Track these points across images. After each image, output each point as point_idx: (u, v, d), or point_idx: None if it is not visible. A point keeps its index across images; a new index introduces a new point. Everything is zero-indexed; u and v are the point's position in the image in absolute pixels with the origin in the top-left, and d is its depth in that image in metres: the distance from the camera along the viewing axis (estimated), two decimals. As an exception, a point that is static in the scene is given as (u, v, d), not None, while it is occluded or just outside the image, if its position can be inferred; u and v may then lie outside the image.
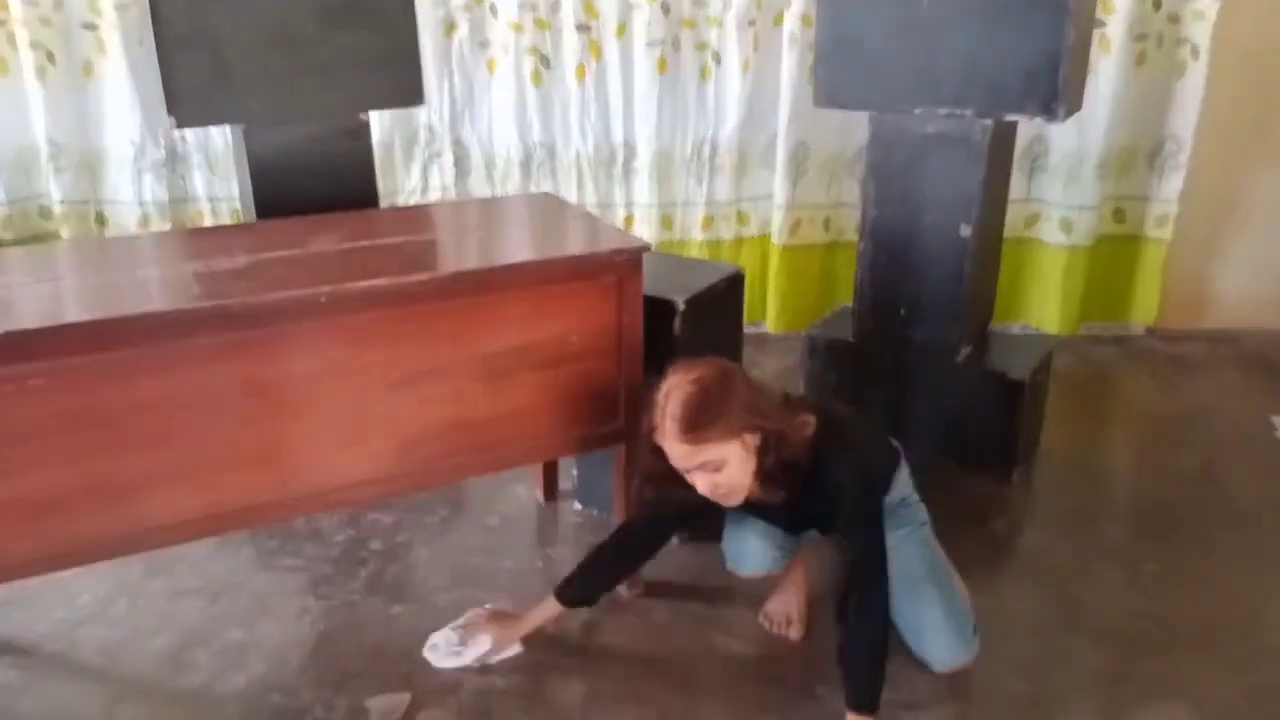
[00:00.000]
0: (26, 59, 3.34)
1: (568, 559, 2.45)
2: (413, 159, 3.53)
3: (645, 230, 3.53)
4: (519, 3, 3.33)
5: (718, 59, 3.40)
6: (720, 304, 2.46)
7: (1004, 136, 2.66)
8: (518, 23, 3.36)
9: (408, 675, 2.08)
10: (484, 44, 3.43)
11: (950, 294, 2.70)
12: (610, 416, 2.16)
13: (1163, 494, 2.74)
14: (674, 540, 2.29)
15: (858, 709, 1.82)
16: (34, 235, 3.54)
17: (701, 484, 1.80)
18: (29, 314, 1.74)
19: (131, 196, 3.46)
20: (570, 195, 3.49)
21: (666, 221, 3.57)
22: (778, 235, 3.53)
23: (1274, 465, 2.86)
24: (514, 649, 2.10)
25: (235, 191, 3.23)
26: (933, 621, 2.01)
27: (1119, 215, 3.55)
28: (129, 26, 3.30)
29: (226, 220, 3.49)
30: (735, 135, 3.46)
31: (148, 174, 3.44)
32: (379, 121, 3.37)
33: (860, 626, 1.83)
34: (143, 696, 2.04)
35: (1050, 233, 3.53)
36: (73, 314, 1.75)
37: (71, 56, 3.38)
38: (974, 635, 2.04)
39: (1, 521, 1.69)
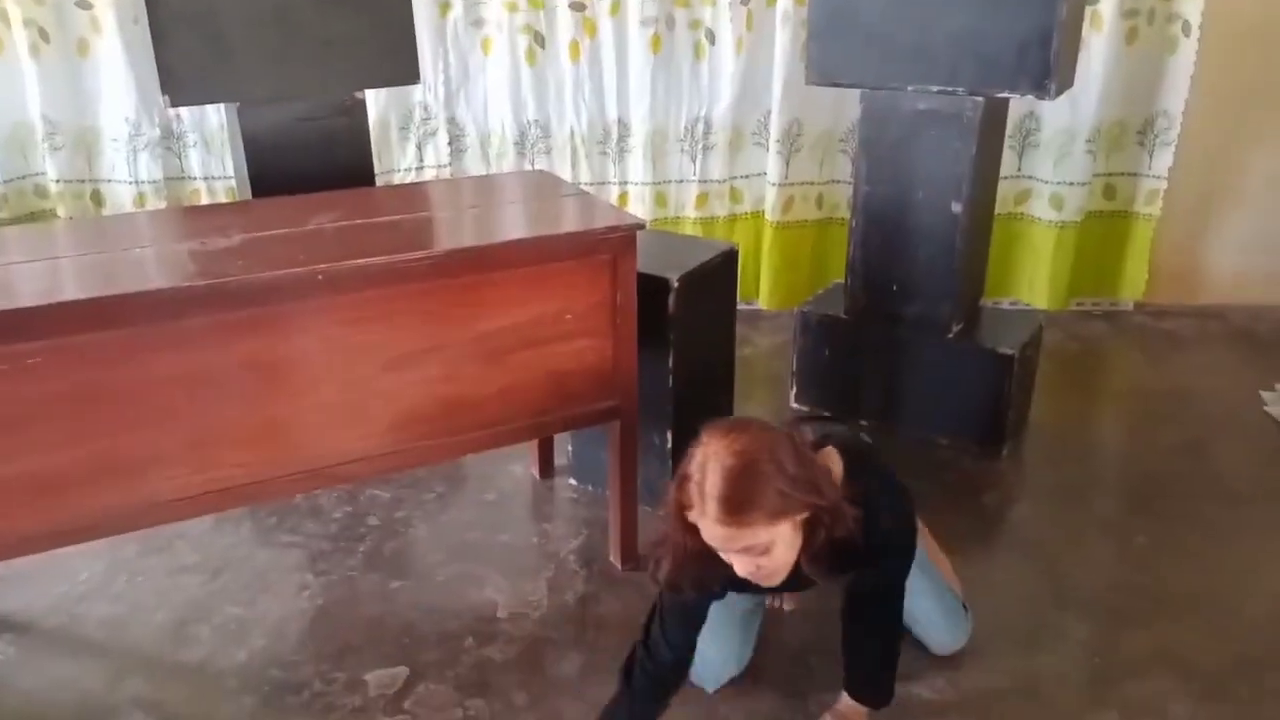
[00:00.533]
0: (20, 37, 3.33)
1: (563, 534, 2.48)
2: (408, 137, 3.53)
3: (639, 208, 3.54)
4: (513, -19, 3.33)
5: (711, 37, 3.40)
6: (714, 281, 2.48)
7: (996, 113, 2.68)
8: (512, 1, 3.35)
9: (406, 649, 2.11)
10: (479, 23, 3.43)
11: (942, 270, 2.72)
12: (605, 394, 2.18)
13: (1151, 468, 2.77)
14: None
15: (871, 705, 1.85)
16: (30, 214, 3.54)
17: (741, 566, 1.55)
18: (26, 292, 1.75)
19: (127, 175, 3.46)
20: (564, 173, 3.50)
21: (660, 199, 3.58)
22: (771, 212, 3.54)
23: (1262, 440, 2.89)
24: None
25: (231, 170, 3.23)
26: (926, 610, 2.02)
27: (1109, 191, 3.57)
28: (123, 5, 3.29)
29: (222, 199, 3.49)
30: (729, 113, 3.46)
31: (143, 153, 3.44)
32: (374, 100, 3.36)
33: (872, 638, 1.82)
34: (145, 671, 2.06)
35: (1041, 209, 3.54)
36: (70, 292, 1.77)
37: (65, 34, 3.37)
38: (966, 615, 2.07)
39: (3, 499, 1.71)
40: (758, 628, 2.05)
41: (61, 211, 3.49)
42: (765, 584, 1.60)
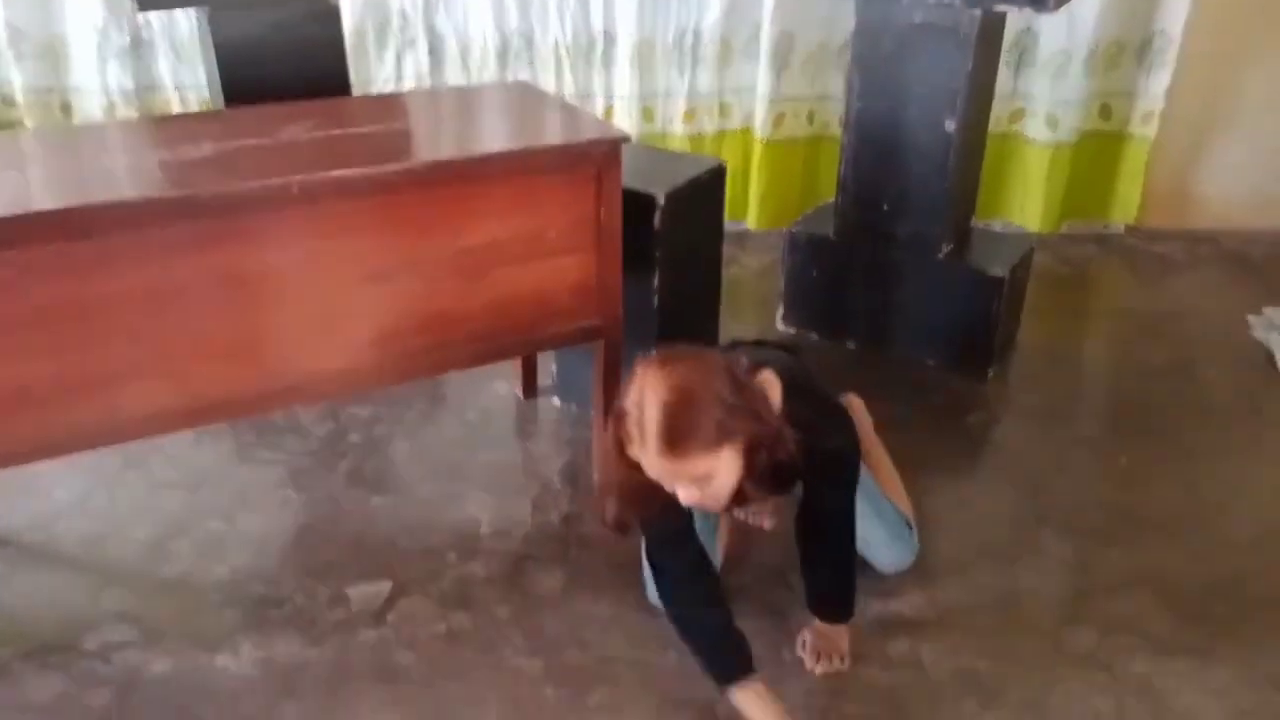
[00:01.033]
0: (-20, -61, 3.20)
1: (546, 453, 2.48)
2: (386, 47, 3.43)
3: (625, 122, 3.46)
4: (495, -118, 3.21)
5: (701, -57, 3.30)
6: (701, 198, 2.43)
7: (993, 28, 2.61)
8: (494, -96, 3.24)
9: (388, 564, 2.11)
10: (459, -74, 3.31)
11: (933, 189, 2.68)
12: (588, 312, 2.15)
13: (1136, 390, 2.77)
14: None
15: (830, 621, 1.87)
16: (-2, 124, 3.45)
17: (685, 495, 1.56)
18: (-7, 202, 1.70)
19: (97, 84, 3.36)
20: (548, 85, 3.41)
21: (647, 114, 3.50)
22: (760, 129, 3.47)
23: (1247, 363, 2.89)
24: None
25: (204, 79, 3.13)
26: (872, 536, 2.01)
27: (1105, 111, 3.51)
28: (88, -96, 3.16)
29: (195, 109, 3.40)
30: (718, 24, 3.37)
31: (112, 61, 3.33)
32: (350, 8, 3.26)
33: (824, 558, 1.85)
34: (125, 585, 2.06)
35: (1035, 129, 3.48)
36: (38, 202, 1.71)
37: (28, -64, 3.24)
38: (912, 534, 2.07)
39: (-26, 413, 1.68)
40: (718, 547, 2.03)
41: (29, 122, 3.39)
42: (710, 510, 1.68)
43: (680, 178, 2.35)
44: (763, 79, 3.40)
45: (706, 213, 2.50)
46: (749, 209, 3.61)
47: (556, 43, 3.39)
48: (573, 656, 1.90)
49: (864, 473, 2.03)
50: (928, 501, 2.20)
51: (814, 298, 2.96)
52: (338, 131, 2.05)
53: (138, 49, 3.37)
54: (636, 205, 2.21)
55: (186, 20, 3.28)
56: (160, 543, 2.17)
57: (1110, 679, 1.85)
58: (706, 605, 1.77)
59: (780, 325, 3.04)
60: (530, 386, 2.69)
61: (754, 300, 3.23)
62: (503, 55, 3.41)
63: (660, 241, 2.30)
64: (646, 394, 1.49)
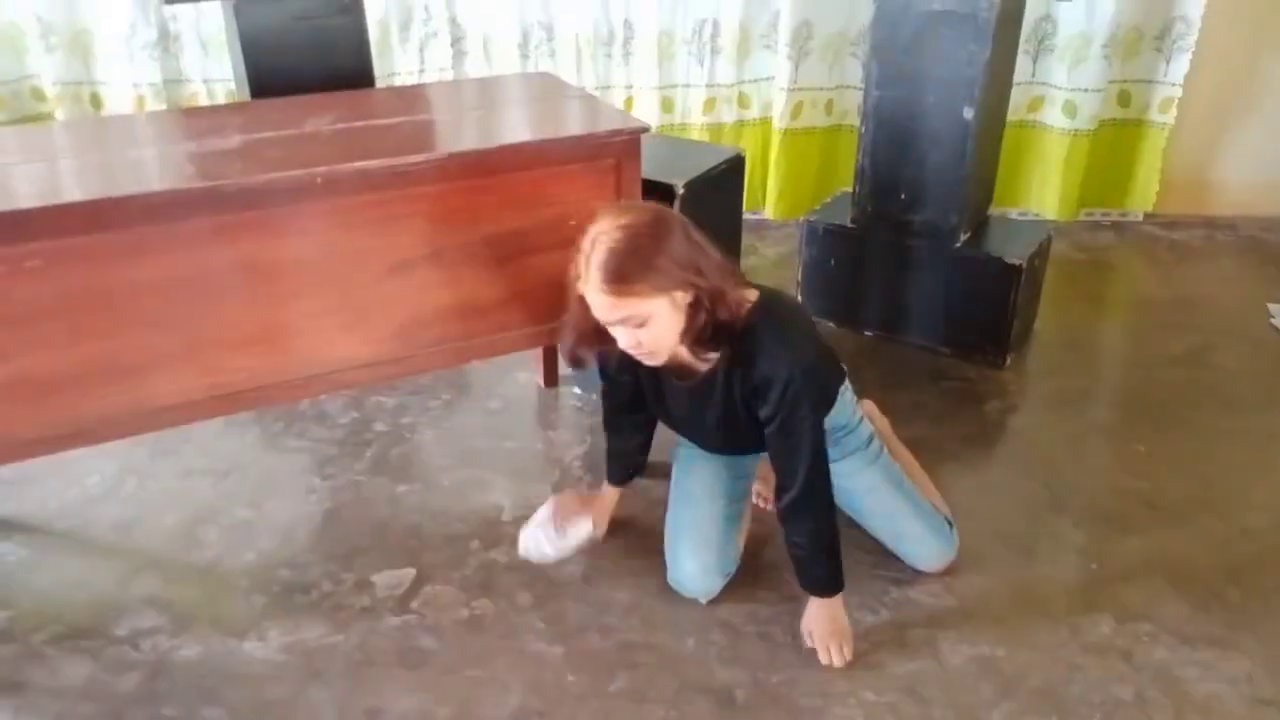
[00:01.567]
0: (9, -66, 3.24)
1: (568, 441, 2.50)
2: (409, 40, 3.45)
3: (645, 112, 3.47)
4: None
5: (720, -66, 3.30)
6: (720, 188, 2.45)
7: (1011, 14, 2.61)
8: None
9: (412, 551, 2.14)
10: (480, -82, 3.32)
11: (951, 177, 2.68)
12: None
13: (1155, 378, 2.77)
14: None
15: (819, 594, 1.88)
16: (28, 117, 3.48)
17: (623, 339, 1.64)
18: (24, 194, 1.73)
19: (125, 78, 3.40)
20: (569, 76, 3.43)
21: (667, 104, 3.51)
22: (779, 119, 3.48)
23: (1267, 351, 2.89)
24: (601, 530, 2.10)
25: (229, 72, 3.17)
26: (910, 532, 2.04)
27: (1124, 99, 3.50)
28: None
29: (222, 102, 3.43)
30: (737, 14, 3.38)
31: (140, 54, 3.37)
32: (374, 0, 3.28)
33: (800, 524, 1.83)
34: (156, 570, 2.10)
35: (1053, 116, 3.48)
36: (68, 194, 1.75)
37: (56, -69, 3.28)
38: (952, 531, 2.08)
39: (5, 402, 1.72)
40: (737, 537, 2.05)
41: (60, 115, 3.44)
42: (647, 362, 1.71)
43: (699, 167, 2.37)
44: (781, 69, 3.41)
45: (725, 202, 2.52)
46: (767, 198, 3.61)
47: (577, 34, 3.40)
48: (593, 642, 1.92)
49: (896, 467, 2.06)
50: (945, 490, 2.21)
51: (831, 286, 2.97)
52: (361, 123, 2.07)
53: (165, 42, 3.40)
54: (656, 194, 2.22)
55: (214, 15, 3.31)
56: (189, 529, 2.20)
57: (1129, 667, 1.86)
58: (628, 432, 2.09)
59: (798, 314, 3.05)
60: (551, 376, 2.71)
61: (772, 289, 3.24)
62: (524, 47, 3.43)
63: (679, 231, 2.31)
64: (600, 234, 1.59)
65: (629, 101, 3.51)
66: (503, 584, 2.06)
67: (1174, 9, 3.33)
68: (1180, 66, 3.38)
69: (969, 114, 2.59)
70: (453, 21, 3.43)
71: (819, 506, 1.81)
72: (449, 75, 3.48)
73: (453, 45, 3.45)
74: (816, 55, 3.43)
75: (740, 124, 3.58)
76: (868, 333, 2.95)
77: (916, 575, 2.06)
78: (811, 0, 3.30)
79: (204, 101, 3.46)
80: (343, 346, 1.96)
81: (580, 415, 2.61)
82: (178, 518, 2.24)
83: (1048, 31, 3.40)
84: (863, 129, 2.79)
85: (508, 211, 1.99)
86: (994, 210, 3.01)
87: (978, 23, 2.50)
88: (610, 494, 2.14)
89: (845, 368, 2.08)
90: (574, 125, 2.16)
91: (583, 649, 1.91)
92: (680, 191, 2.27)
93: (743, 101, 3.55)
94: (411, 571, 2.09)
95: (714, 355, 1.72)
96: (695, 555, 1.98)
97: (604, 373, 2.00)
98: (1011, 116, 3.04)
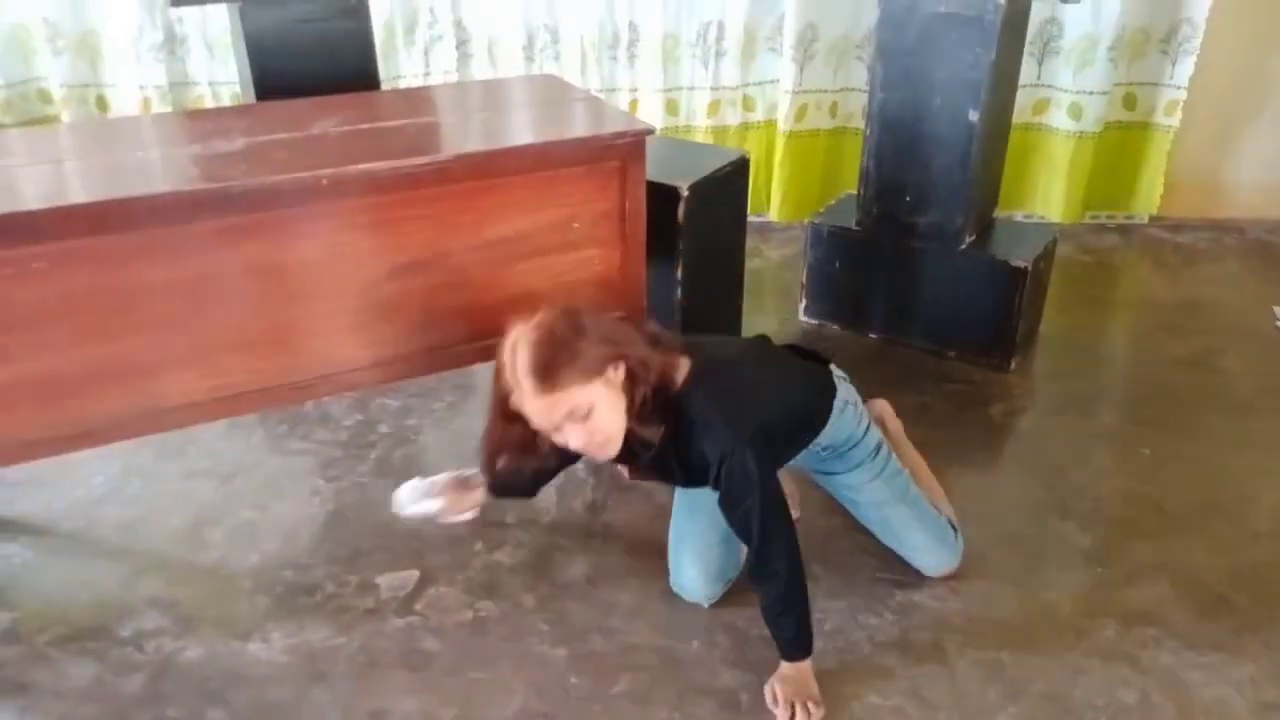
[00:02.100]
0: (16, -64, 3.25)
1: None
2: (414, 42, 3.46)
3: (650, 115, 3.47)
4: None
5: (725, -64, 3.30)
6: (725, 190, 2.45)
7: (1017, 17, 2.61)
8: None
9: (416, 553, 2.14)
10: (485, -78, 3.33)
11: (956, 180, 2.68)
12: (612, 304, 2.16)
13: (1160, 381, 2.77)
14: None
15: (789, 659, 1.79)
16: (34, 120, 3.49)
17: (575, 439, 1.62)
18: (30, 195, 1.73)
19: (131, 80, 3.41)
20: (574, 79, 3.43)
21: (671, 107, 3.51)
22: (784, 121, 3.48)
23: (1273, 354, 2.88)
24: (473, 513, 2.02)
25: (235, 75, 3.17)
26: (914, 542, 2.04)
27: (1129, 101, 3.49)
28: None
29: (228, 104, 3.44)
30: (742, 17, 3.38)
31: (146, 56, 3.38)
32: (379, 3, 3.28)
33: (767, 587, 1.76)
34: (161, 571, 2.10)
35: (1059, 119, 3.47)
36: (74, 195, 1.75)
37: (62, -66, 3.29)
38: (956, 538, 2.08)
39: (10, 403, 1.72)
40: (740, 544, 1.98)
41: (66, 117, 3.45)
42: (603, 454, 1.67)
43: (704, 170, 2.37)
44: (786, 71, 3.41)
45: (730, 205, 2.52)
46: (772, 201, 3.61)
47: (582, 36, 3.41)
48: (597, 644, 1.92)
49: (903, 475, 2.04)
50: (949, 491, 2.21)
51: (836, 289, 2.97)
52: (366, 125, 2.07)
53: (171, 45, 3.41)
54: (661, 197, 2.22)
55: (219, 16, 3.32)
56: (194, 530, 2.21)
57: (1134, 671, 1.85)
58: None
59: (802, 317, 3.05)
60: (555, 378, 2.70)
61: (776, 292, 3.24)
62: (529, 49, 3.43)
63: (684, 233, 2.31)
64: (516, 344, 1.60)
65: (633, 104, 3.51)
66: (507, 586, 2.06)
67: (1180, 11, 3.33)
68: (1185, 69, 3.38)
69: (974, 116, 2.59)
70: (458, 24, 3.43)
71: (783, 567, 1.72)
72: (454, 78, 3.48)
73: (458, 48, 3.45)
74: (821, 58, 3.43)
75: (745, 126, 3.58)
76: (872, 335, 2.95)
77: (921, 579, 2.05)
78: (816, 3, 3.30)
79: (210, 104, 3.47)
80: (348, 348, 1.95)
81: (584, 417, 2.60)
82: (182, 519, 2.24)
83: (1053, 34, 3.40)
84: (867, 131, 2.79)
85: (513, 213, 1.99)
86: (999, 213, 3.01)
87: (983, 25, 2.50)
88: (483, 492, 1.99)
89: (838, 386, 1.96)
90: (579, 127, 2.16)
91: (586, 651, 1.91)
92: (685, 194, 2.27)
93: (747, 104, 3.55)
94: (415, 573, 2.09)
95: (659, 429, 1.67)
96: (697, 562, 1.98)
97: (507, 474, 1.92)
98: (1016, 119, 3.04)
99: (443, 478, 2.01)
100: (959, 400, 2.66)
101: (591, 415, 1.59)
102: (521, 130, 2.23)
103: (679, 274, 2.36)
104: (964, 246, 2.74)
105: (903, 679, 1.85)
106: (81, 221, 1.66)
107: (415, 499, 1.98)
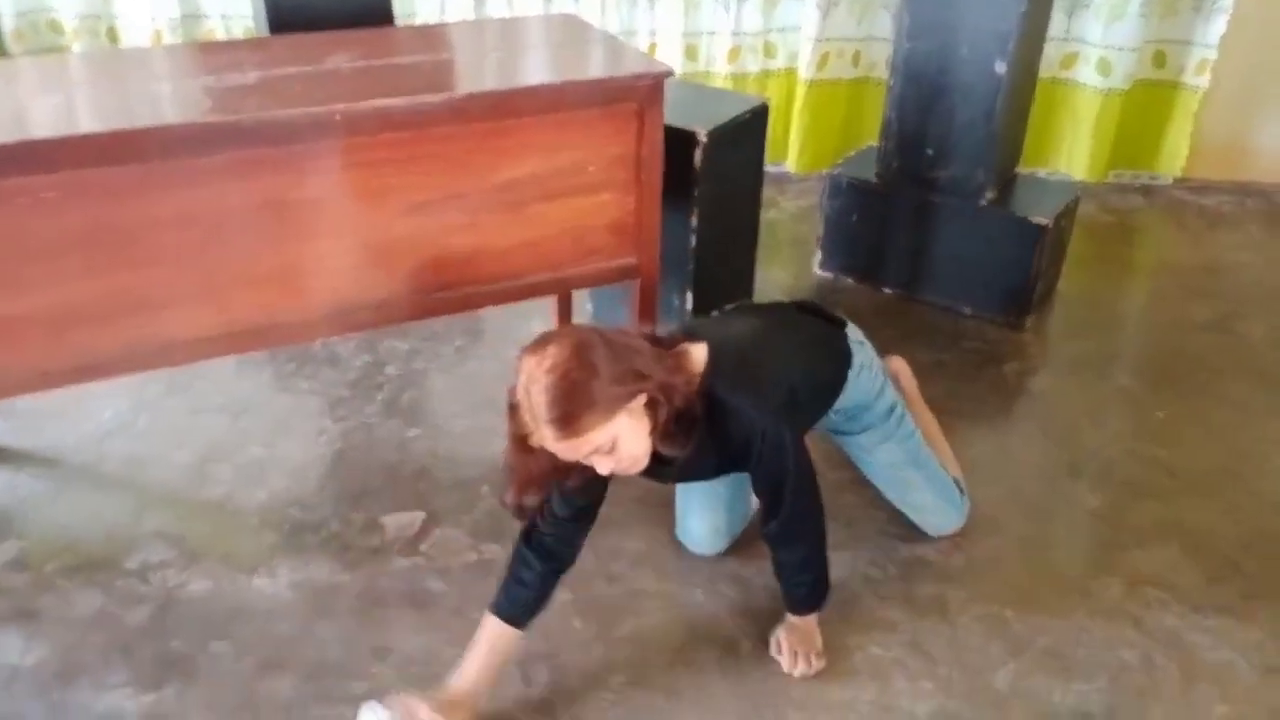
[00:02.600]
0: None
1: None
2: (430, -21, 3.40)
3: (669, 60, 3.41)
4: None
5: (751, -124, 3.23)
6: (743, 137, 2.42)
7: (1047, -33, 2.54)
8: None
9: (422, 494, 2.14)
10: None
11: (980, 134, 2.63)
12: (626, 250, 2.14)
13: (1177, 344, 2.74)
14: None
15: (798, 614, 1.81)
16: (45, 50, 3.46)
17: (602, 467, 1.58)
18: (41, 124, 1.72)
19: (143, 11, 3.37)
20: (593, 21, 3.37)
21: (691, 52, 3.46)
22: (805, 69, 3.42)
23: (1293, 320, 2.84)
24: None
25: (249, 9, 3.13)
26: (920, 502, 2.03)
27: (1159, 59, 3.42)
28: None
29: (241, 38, 3.40)
30: (766, -38, 3.31)
31: (158, -13, 3.34)
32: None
33: (790, 550, 1.77)
34: (168, 505, 2.11)
35: (1087, 74, 3.40)
36: (85, 125, 1.73)
37: None
38: (962, 499, 2.07)
39: (21, 334, 1.71)
40: (748, 496, 2.00)
41: (77, 48, 3.41)
42: (632, 473, 1.63)
43: (722, 116, 2.33)
44: (809, 18, 3.34)
45: (748, 152, 2.48)
46: (790, 151, 3.57)
47: (601, -23, 3.35)
48: (601, 589, 1.93)
49: (916, 437, 2.02)
50: (961, 450, 2.19)
51: (853, 242, 2.94)
52: (381, 62, 2.04)
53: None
54: (677, 142, 2.19)
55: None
56: (201, 466, 2.21)
57: (1138, 632, 1.85)
58: (543, 560, 1.73)
59: (817, 270, 3.02)
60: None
61: (792, 244, 3.21)
62: (547, -12, 3.37)
63: (700, 180, 2.28)
64: (530, 383, 1.50)
65: (652, 48, 3.45)
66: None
67: (1215, -33, 3.25)
68: (1217, 28, 3.30)
69: (1001, 68, 2.54)
70: (476, -39, 3.37)
71: (810, 532, 1.76)
72: (470, 16, 3.43)
73: (475, -13, 3.40)
74: (845, 5, 3.37)
75: (765, 74, 3.52)
76: (887, 290, 2.92)
77: (926, 534, 2.05)
78: (843, -51, 3.23)
79: (222, 37, 3.43)
80: (357, 287, 1.94)
81: (595, 364, 2.59)
82: (190, 454, 2.24)
83: (1084, -14, 3.32)
84: (891, 81, 2.74)
85: (527, 155, 1.96)
86: (1021, 169, 2.96)
87: (1013, -27, 2.44)
88: (489, 634, 1.71)
89: (854, 351, 1.91)
90: (596, 68, 2.12)
91: (590, 595, 1.91)
92: (703, 140, 2.23)
93: (768, 51, 3.49)
94: (420, 515, 2.09)
95: (687, 444, 1.63)
96: (704, 513, 1.97)
97: (546, 516, 1.74)
98: (1043, 73, 2.98)
99: (411, 708, 1.62)
100: (974, 358, 2.64)
101: (616, 447, 1.55)
102: (538, 70, 2.19)
103: (693, 221, 2.33)
104: (984, 202, 2.70)
105: (904, 632, 1.85)
106: (93, 151, 1.65)
107: None
